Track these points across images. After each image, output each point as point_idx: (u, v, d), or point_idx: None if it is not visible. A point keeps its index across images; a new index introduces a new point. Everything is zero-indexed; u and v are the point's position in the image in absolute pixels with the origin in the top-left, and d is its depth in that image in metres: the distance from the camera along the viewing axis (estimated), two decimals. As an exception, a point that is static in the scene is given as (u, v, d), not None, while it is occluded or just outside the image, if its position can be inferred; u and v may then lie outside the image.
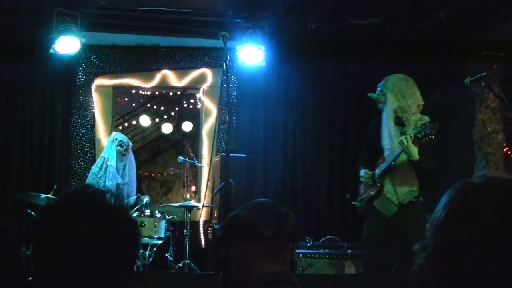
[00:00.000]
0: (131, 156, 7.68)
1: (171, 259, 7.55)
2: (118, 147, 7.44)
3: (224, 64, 4.74)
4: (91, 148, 9.13)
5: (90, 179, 7.64)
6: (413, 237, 5.55)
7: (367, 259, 6.07)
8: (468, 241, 1.18)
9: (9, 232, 1.79)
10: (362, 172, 6.02)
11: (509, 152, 9.53)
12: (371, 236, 5.92)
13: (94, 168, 7.70)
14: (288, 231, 2.46)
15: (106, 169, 7.46)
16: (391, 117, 5.85)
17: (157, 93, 12.86)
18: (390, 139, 5.81)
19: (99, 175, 7.49)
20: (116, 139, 7.60)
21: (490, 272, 1.16)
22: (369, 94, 6.17)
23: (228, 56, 5.15)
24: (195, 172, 11.50)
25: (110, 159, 7.49)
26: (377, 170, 5.92)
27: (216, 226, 7.98)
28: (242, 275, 2.43)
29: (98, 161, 7.79)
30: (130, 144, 7.73)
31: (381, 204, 5.86)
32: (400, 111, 5.84)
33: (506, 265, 1.15)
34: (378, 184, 5.87)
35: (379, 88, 6.06)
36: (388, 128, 5.84)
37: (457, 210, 1.22)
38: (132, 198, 7.36)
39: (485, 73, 5.06)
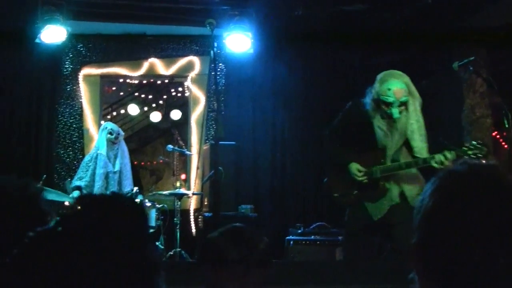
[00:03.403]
0: (123, 145, 7.65)
1: (162, 247, 7.55)
2: (108, 135, 7.42)
3: (212, 51, 4.73)
4: (79, 137, 9.10)
5: (81, 168, 7.61)
6: (401, 224, 5.46)
7: (346, 248, 5.86)
8: (455, 231, 1.19)
9: (29, 186, 1.77)
10: (354, 169, 5.44)
11: (498, 136, 9.56)
12: (354, 231, 5.60)
13: (87, 157, 7.68)
14: (257, 255, 2.46)
15: (96, 157, 7.44)
16: (421, 119, 5.39)
17: (144, 81, 12.77)
18: (423, 142, 5.37)
19: (90, 164, 7.47)
20: (106, 127, 7.58)
21: (479, 261, 1.16)
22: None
23: (215, 43, 5.12)
24: (185, 161, 11.47)
25: (100, 148, 7.47)
26: (376, 169, 5.43)
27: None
28: None
29: (91, 152, 7.77)
30: (122, 133, 7.69)
31: (372, 206, 5.48)
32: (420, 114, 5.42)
33: (494, 253, 1.16)
34: (382, 186, 5.44)
35: (405, 87, 5.29)
36: (419, 133, 5.37)
37: (443, 200, 1.24)
38: (128, 190, 7.29)
39: (473, 58, 5.06)
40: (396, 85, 5.21)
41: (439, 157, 5.10)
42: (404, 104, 5.27)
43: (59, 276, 1.06)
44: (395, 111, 5.23)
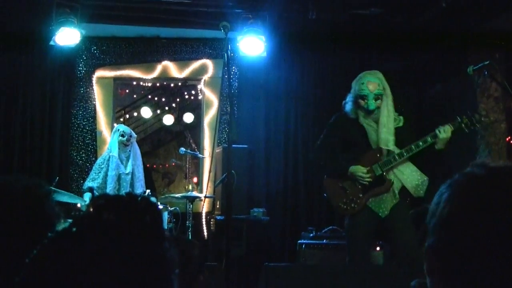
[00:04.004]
0: (135, 147, 7.65)
1: (174, 250, 7.52)
2: (120, 137, 7.43)
3: (225, 54, 4.71)
4: (92, 140, 9.13)
5: (94, 170, 7.63)
6: (401, 229, 5.41)
7: (352, 258, 5.68)
8: (472, 236, 1.18)
9: (36, 187, 1.76)
10: (358, 170, 5.51)
11: None
12: (359, 239, 5.57)
13: (100, 160, 7.70)
14: (195, 263, 2.42)
15: (109, 159, 7.46)
16: (392, 114, 5.53)
17: (158, 84, 12.86)
18: (390, 134, 5.49)
19: (102, 166, 7.49)
20: (118, 130, 7.59)
21: (499, 265, 1.15)
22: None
23: (229, 46, 5.11)
24: (197, 164, 11.50)
25: (112, 150, 7.48)
26: (376, 167, 5.49)
27: (218, 217, 7.99)
28: None
29: (104, 154, 7.79)
30: (134, 135, 7.69)
31: (376, 203, 5.51)
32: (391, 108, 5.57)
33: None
34: (387, 179, 5.48)
35: (378, 82, 5.53)
36: (390, 124, 5.49)
37: (460, 205, 1.22)
38: (140, 192, 7.30)
39: (488, 62, 5.03)
40: (369, 79, 5.54)
41: (437, 131, 5.29)
42: (379, 97, 5.50)
43: (76, 277, 1.06)
44: (371, 103, 5.49)
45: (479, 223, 1.17)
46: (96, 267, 1.07)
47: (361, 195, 5.55)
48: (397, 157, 5.45)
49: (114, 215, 1.13)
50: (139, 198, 1.20)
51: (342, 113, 5.76)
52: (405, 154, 5.43)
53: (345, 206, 5.61)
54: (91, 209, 1.17)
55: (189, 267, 2.40)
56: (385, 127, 5.50)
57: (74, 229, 1.13)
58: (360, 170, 5.52)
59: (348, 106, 5.65)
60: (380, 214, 5.48)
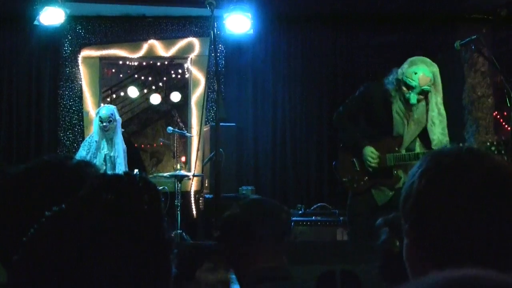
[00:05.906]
0: (118, 129, 7.54)
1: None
2: (99, 123, 7.36)
3: (212, 32, 4.67)
4: (79, 120, 9.08)
5: (80, 150, 7.57)
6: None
7: (352, 233, 5.68)
8: (447, 208, 1.22)
9: (87, 165, 1.74)
10: (369, 152, 5.31)
11: (498, 116, 9.54)
12: (358, 217, 5.47)
13: (87, 139, 7.62)
14: (283, 227, 2.50)
15: (90, 143, 7.41)
16: (443, 112, 5.20)
17: (144, 63, 12.77)
18: (444, 135, 5.17)
19: (88, 147, 7.44)
20: (97, 114, 7.48)
21: (474, 237, 1.20)
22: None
23: (215, 24, 5.07)
24: (185, 143, 11.47)
25: (94, 134, 7.44)
26: (390, 157, 5.29)
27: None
28: (240, 271, 2.47)
29: (90, 134, 7.72)
30: (115, 118, 7.49)
31: (379, 193, 5.40)
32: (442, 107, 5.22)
33: (486, 226, 1.20)
34: (396, 176, 5.32)
35: (431, 77, 5.06)
36: (440, 127, 5.16)
37: (434, 179, 1.27)
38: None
39: (475, 37, 5.00)
40: (423, 71, 5.04)
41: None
42: (425, 93, 5.12)
43: (74, 257, 1.05)
44: (413, 97, 5.06)
45: (451, 194, 1.23)
46: (94, 247, 1.06)
47: (366, 178, 5.41)
48: (413, 157, 5.20)
49: (113, 195, 1.12)
50: (138, 177, 1.19)
51: (378, 84, 5.38)
52: (421, 157, 5.10)
53: (348, 183, 5.50)
54: (89, 189, 1.15)
55: (277, 229, 2.46)
56: (438, 126, 5.17)
57: (72, 208, 1.11)
58: (370, 153, 5.32)
59: (390, 82, 5.23)
60: (377, 202, 5.39)
